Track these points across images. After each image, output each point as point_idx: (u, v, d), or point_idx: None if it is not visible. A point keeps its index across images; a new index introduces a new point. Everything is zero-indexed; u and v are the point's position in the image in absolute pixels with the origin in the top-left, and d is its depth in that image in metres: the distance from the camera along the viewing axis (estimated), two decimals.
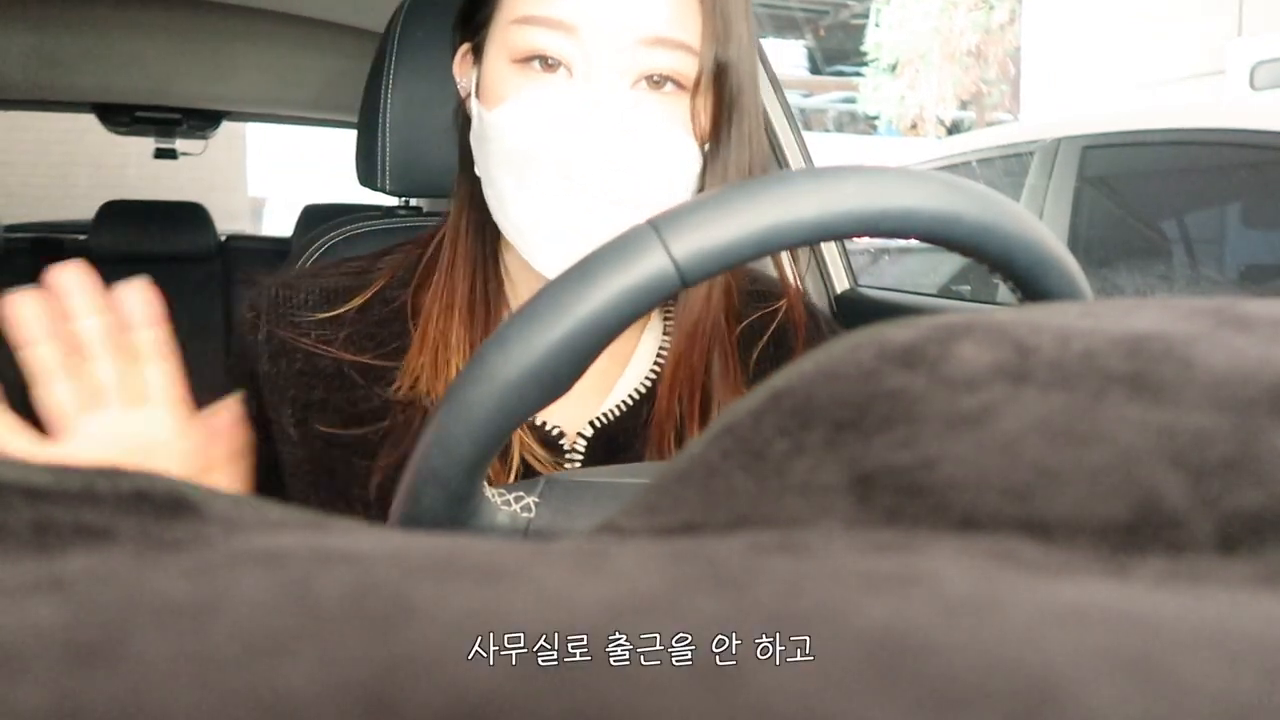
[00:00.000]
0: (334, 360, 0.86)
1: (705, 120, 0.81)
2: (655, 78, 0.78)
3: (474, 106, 0.84)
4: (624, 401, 0.90)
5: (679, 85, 0.79)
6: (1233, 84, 7.27)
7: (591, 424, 0.89)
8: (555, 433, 0.88)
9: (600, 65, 0.76)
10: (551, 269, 0.78)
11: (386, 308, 0.89)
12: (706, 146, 0.82)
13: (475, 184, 0.86)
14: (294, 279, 0.91)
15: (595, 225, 0.77)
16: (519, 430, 0.85)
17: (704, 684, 0.16)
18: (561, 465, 0.87)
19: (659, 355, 0.93)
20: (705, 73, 0.78)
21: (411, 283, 0.90)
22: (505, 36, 0.78)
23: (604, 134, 0.75)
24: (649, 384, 0.91)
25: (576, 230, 0.77)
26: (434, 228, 0.96)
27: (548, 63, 0.77)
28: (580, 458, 0.88)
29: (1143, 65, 10.99)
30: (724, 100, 0.81)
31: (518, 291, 0.90)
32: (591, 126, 0.75)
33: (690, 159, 0.80)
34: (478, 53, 0.84)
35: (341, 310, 0.88)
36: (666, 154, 0.79)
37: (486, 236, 0.88)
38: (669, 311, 0.94)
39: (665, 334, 0.94)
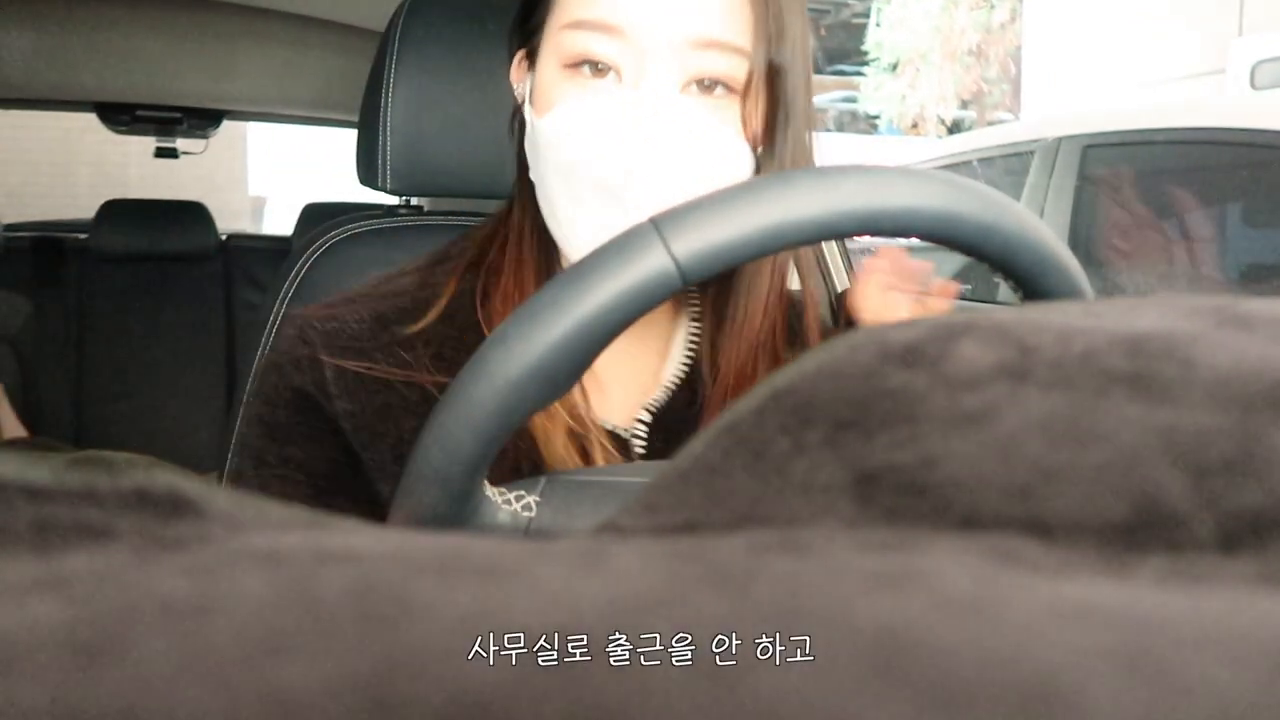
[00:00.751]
0: (419, 387, 0.82)
1: (757, 124, 0.80)
2: (706, 81, 0.77)
3: (528, 113, 0.84)
4: (667, 388, 0.91)
5: (729, 88, 0.78)
6: (1233, 83, 7.27)
7: (647, 409, 0.89)
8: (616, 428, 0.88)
9: (650, 69, 0.75)
10: None
11: (453, 324, 0.86)
12: (760, 150, 0.81)
13: (533, 188, 0.85)
14: (333, 308, 0.87)
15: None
16: (594, 431, 0.85)
17: (704, 683, 0.16)
18: (630, 457, 0.87)
19: (691, 341, 0.93)
20: (757, 75, 0.77)
21: (477, 292, 0.88)
22: (556, 42, 0.78)
23: (653, 141, 0.75)
24: (686, 369, 0.92)
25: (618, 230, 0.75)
26: (464, 238, 0.95)
27: (597, 68, 0.76)
28: (643, 445, 0.88)
29: (1143, 64, 10.99)
30: (777, 103, 0.80)
31: None
32: (640, 134, 0.74)
33: (743, 164, 0.80)
34: (532, 59, 0.84)
35: (419, 327, 0.85)
36: (718, 159, 0.78)
37: (549, 239, 0.86)
38: (693, 299, 0.95)
39: (693, 320, 0.94)
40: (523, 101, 0.86)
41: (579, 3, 0.76)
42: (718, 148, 0.78)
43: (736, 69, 0.77)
